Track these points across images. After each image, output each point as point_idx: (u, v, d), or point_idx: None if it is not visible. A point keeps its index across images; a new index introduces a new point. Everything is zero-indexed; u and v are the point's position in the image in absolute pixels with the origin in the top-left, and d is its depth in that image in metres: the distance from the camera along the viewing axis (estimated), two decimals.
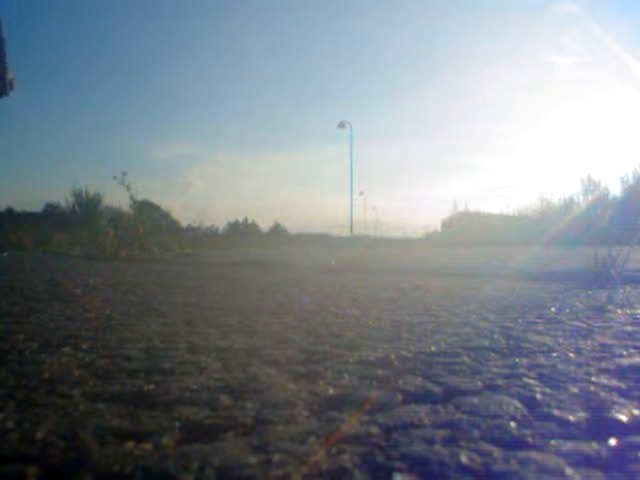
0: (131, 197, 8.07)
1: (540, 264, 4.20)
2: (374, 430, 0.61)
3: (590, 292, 2.22)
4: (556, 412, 0.67)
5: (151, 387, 0.79)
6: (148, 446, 0.56)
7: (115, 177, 7.76)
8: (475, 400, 0.73)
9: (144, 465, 0.51)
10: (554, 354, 1.02)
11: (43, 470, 0.51)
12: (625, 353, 1.02)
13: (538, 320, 1.45)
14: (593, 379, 0.83)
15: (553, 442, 0.58)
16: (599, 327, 1.33)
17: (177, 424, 0.63)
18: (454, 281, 2.92)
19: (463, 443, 0.57)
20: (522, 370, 0.89)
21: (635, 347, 1.08)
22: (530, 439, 0.59)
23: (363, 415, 0.67)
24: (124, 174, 7.78)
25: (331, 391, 0.77)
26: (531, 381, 0.82)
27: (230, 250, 10.01)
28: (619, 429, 0.62)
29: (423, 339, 1.17)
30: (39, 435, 0.59)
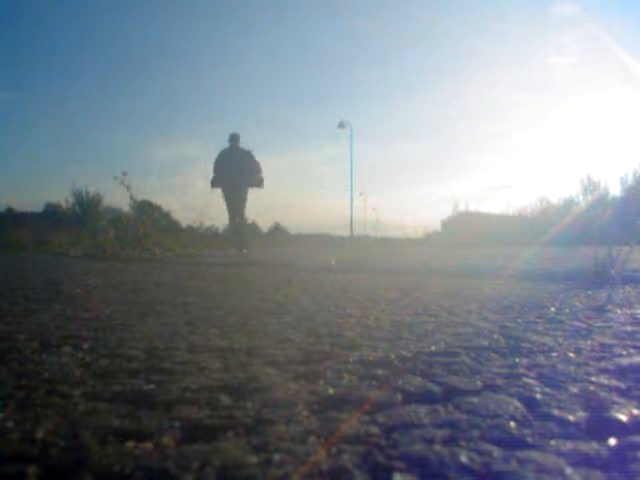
0: (131, 197, 8.09)
1: (540, 264, 4.20)
2: (374, 430, 0.61)
3: (590, 292, 2.22)
4: (556, 412, 0.67)
5: (151, 387, 0.79)
6: (148, 446, 0.56)
7: (115, 177, 7.78)
8: (475, 400, 0.73)
9: (144, 465, 0.51)
10: (554, 354, 1.02)
11: (43, 470, 0.51)
12: (625, 353, 1.02)
13: (538, 320, 1.45)
14: (593, 379, 0.83)
15: (553, 442, 0.58)
16: (599, 327, 1.33)
17: (177, 424, 0.63)
18: (454, 281, 2.92)
19: (463, 443, 0.57)
20: (522, 370, 0.89)
21: (635, 347, 1.08)
22: (530, 439, 0.59)
23: (363, 415, 0.67)
24: (124, 174, 7.81)
25: (331, 391, 0.77)
26: (531, 381, 0.82)
27: (230, 250, 10.00)
28: (619, 429, 0.62)
29: (423, 339, 1.17)
30: (39, 435, 0.59)
